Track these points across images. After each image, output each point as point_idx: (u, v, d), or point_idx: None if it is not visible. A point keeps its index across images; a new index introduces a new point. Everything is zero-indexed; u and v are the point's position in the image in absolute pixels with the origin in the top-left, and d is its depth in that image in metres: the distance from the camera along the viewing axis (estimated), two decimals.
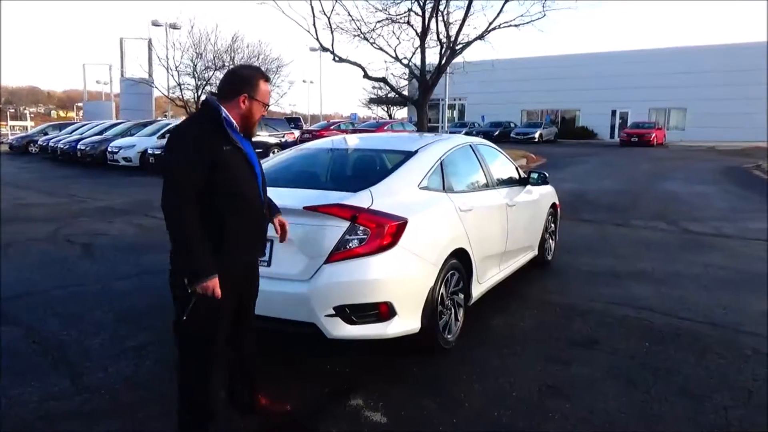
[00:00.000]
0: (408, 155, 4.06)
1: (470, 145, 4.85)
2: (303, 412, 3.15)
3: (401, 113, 55.44)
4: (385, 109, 57.86)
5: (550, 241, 6.40)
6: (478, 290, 4.38)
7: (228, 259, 2.50)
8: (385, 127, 25.56)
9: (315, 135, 27.92)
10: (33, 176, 17.41)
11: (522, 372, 3.61)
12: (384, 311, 3.35)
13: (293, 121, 32.89)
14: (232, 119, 2.52)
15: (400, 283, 3.40)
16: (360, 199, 3.43)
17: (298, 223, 3.35)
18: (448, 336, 3.89)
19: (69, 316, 4.67)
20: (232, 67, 2.60)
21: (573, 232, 8.02)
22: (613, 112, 43.04)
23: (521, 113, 46.63)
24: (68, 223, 9.05)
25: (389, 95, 51.26)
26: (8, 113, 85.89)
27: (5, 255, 6.79)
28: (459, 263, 3.96)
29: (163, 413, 3.10)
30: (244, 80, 2.56)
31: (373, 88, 54.33)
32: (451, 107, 43.87)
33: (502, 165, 5.37)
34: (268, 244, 3.43)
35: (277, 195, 3.69)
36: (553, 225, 6.43)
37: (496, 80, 41.26)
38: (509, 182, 5.31)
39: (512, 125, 40.13)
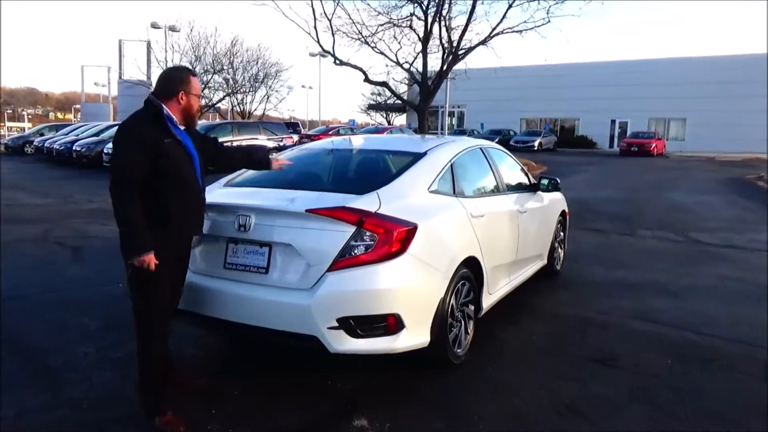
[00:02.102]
0: (417, 157, 3.82)
1: (480, 148, 4.61)
2: (301, 431, 2.89)
3: (400, 120, 55.39)
4: (384, 115, 57.81)
5: (559, 249, 6.16)
6: (488, 301, 4.13)
7: (174, 232, 2.87)
8: (385, 133, 25.34)
9: (313, 140, 27.71)
10: (27, 177, 17.13)
11: (537, 391, 3.36)
12: (392, 324, 3.09)
13: (291, 126, 32.69)
14: (172, 115, 2.87)
15: (409, 293, 3.15)
16: (367, 202, 3.18)
17: (299, 227, 3.10)
18: (458, 350, 3.64)
19: (54, 323, 4.40)
20: (163, 70, 2.92)
21: (579, 240, 7.78)
22: (613, 122, 42.93)
23: (520, 121, 46.52)
24: (59, 225, 8.78)
25: (388, 101, 51.22)
26: (6, 114, 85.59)
27: None
28: (470, 272, 3.71)
29: (150, 430, 2.85)
30: (179, 80, 2.92)
31: (372, 94, 54.32)
32: (450, 114, 43.60)
33: (513, 169, 5.14)
34: (266, 249, 3.19)
35: (277, 197, 3.46)
36: (562, 233, 6.19)
37: (495, 88, 41.20)
38: (519, 188, 5.06)
39: (511, 133, 39.97)
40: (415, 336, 3.20)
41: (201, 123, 22.20)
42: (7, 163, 22.95)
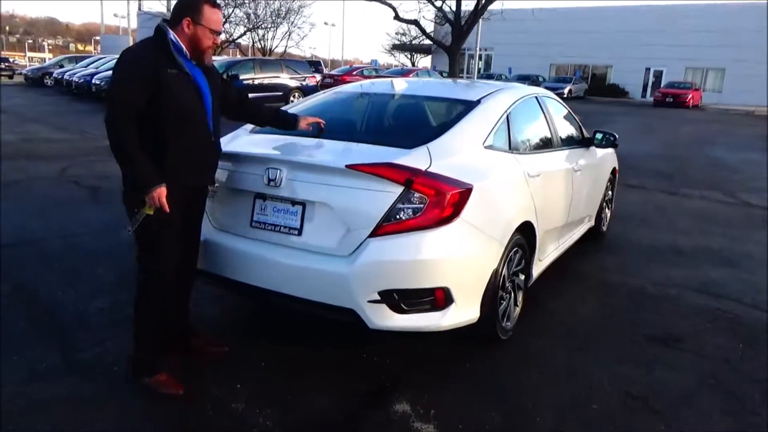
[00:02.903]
0: (470, 106, 3.34)
1: (536, 97, 4.10)
2: (335, 416, 2.58)
3: (424, 61, 53.73)
4: (408, 56, 56.07)
5: (607, 210, 5.70)
6: (538, 269, 3.75)
7: (171, 179, 2.51)
8: (410, 75, 24.43)
9: (337, 80, 26.88)
10: (46, 109, 16.80)
11: (596, 375, 3.00)
12: (440, 298, 2.72)
13: (313, 65, 31.70)
14: (181, 44, 2.53)
15: (461, 264, 2.76)
16: (416, 159, 2.75)
17: (338, 184, 2.70)
18: (507, 324, 3.28)
19: (67, 272, 4.12)
20: None
21: (622, 199, 7.26)
22: (647, 70, 41.12)
23: (550, 67, 44.76)
24: (77, 163, 8.49)
25: (414, 41, 49.56)
26: (26, 44, 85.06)
27: (4, 196, 6.25)
28: (523, 239, 3.30)
29: (166, 406, 2.56)
30: (187, 6, 2.55)
31: (396, 34, 52.55)
32: (478, 57, 42.04)
33: (567, 122, 4.62)
34: (299, 209, 2.80)
35: (312, 148, 3.04)
36: (610, 192, 5.71)
37: (525, 31, 39.56)
38: (573, 142, 4.56)
39: (540, 79, 38.49)
40: (464, 311, 2.83)
41: (221, 59, 21.51)
42: (26, 94, 22.67)
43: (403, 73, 25.73)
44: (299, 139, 3.14)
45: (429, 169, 2.71)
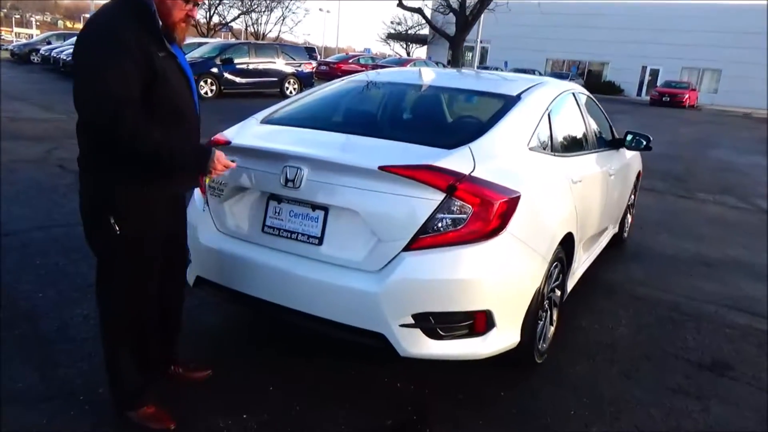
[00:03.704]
0: (510, 101, 2.97)
1: (573, 93, 3.74)
2: None
3: (419, 52, 53.15)
4: (404, 45, 55.45)
5: (628, 215, 5.38)
6: (572, 283, 3.42)
7: (169, 188, 2.12)
8: (408, 65, 23.99)
9: (332, 67, 26.39)
10: (32, 87, 16.15)
11: (647, 409, 2.67)
12: (481, 322, 2.36)
13: (308, 52, 31.10)
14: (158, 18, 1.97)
15: (505, 283, 2.41)
16: (458, 161, 2.38)
17: (368, 188, 2.32)
18: (543, 345, 2.94)
19: (49, 270, 3.72)
20: None
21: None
22: (644, 68, 40.95)
23: (546, 62, 44.44)
24: (63, 145, 7.99)
25: (410, 31, 48.99)
26: (13, 19, 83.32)
27: None
28: (562, 252, 2.95)
29: None
30: None
31: (392, 23, 51.90)
32: (471, 49, 41.43)
33: (600, 121, 4.27)
34: (320, 214, 2.42)
35: (337, 144, 2.66)
36: (632, 196, 5.39)
37: (522, 25, 39.17)
38: (604, 144, 4.22)
39: (537, 74, 38.15)
40: (505, 336, 2.48)
41: (214, 42, 20.92)
42: (12, 71, 21.90)
43: (400, 62, 25.26)
44: (321, 134, 2.75)
45: (473, 174, 2.34)
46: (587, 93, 4.23)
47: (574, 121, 3.58)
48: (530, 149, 2.78)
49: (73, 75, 1.94)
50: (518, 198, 2.41)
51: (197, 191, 2.85)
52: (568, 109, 3.53)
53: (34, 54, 26.55)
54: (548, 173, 2.85)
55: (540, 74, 37.85)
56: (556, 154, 3.05)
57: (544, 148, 2.94)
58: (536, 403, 2.66)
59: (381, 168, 2.27)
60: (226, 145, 2.66)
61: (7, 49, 31.60)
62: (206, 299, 3.22)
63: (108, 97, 1.84)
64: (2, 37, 50.69)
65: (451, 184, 2.25)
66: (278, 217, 2.53)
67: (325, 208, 2.42)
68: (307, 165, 2.41)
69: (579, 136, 3.59)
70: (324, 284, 2.36)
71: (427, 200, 2.26)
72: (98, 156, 2.02)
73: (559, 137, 3.16)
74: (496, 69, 38.42)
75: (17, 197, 5.29)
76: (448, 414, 2.51)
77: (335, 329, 2.39)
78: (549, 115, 3.10)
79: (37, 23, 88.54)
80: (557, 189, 2.88)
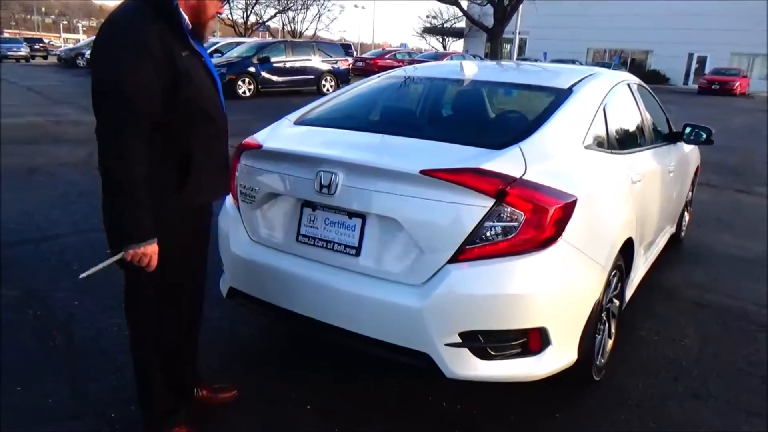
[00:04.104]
0: (561, 95, 2.72)
1: (628, 84, 3.46)
2: None
3: (456, 45, 52.56)
4: (440, 39, 54.94)
5: (686, 213, 5.04)
6: (630, 290, 3.16)
7: (196, 199, 1.96)
8: (445, 59, 23.63)
9: (368, 63, 26.26)
10: (76, 90, 16.52)
11: None
12: (535, 341, 2.15)
13: (343, 48, 31.03)
14: (184, 14, 1.83)
15: (561, 298, 2.18)
16: (508, 163, 2.16)
17: (409, 194, 2.13)
18: (601, 360, 2.70)
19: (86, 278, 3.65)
20: None
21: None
22: (690, 56, 39.38)
23: (587, 52, 43.25)
24: None
25: (445, 25, 48.46)
26: (61, 25, 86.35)
27: (29, 182, 5.87)
28: (621, 259, 2.70)
29: None
30: None
31: (428, 17, 51.47)
32: (510, 42, 40.68)
33: (656, 114, 3.97)
34: (358, 222, 2.24)
35: (374, 146, 2.47)
36: (690, 193, 5.04)
37: (561, 14, 38.18)
38: (661, 138, 3.91)
39: (577, 64, 37.15)
40: (561, 355, 2.26)
41: (252, 41, 21.04)
42: (58, 75, 22.60)
43: (437, 57, 24.93)
44: (357, 134, 2.57)
45: (525, 177, 2.12)
46: (642, 83, 3.92)
47: (631, 115, 3.30)
48: (585, 147, 2.53)
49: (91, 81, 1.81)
50: (575, 202, 2.18)
51: (229, 198, 2.72)
52: (624, 101, 3.26)
53: (79, 58, 27.35)
54: (606, 173, 2.60)
55: (581, 65, 36.97)
56: (614, 151, 2.79)
57: (601, 146, 2.69)
58: (595, 426, 2.42)
59: (422, 172, 2.08)
60: (257, 149, 2.52)
61: (54, 54, 32.64)
62: (238, 310, 3.09)
63: (113, 100, 1.70)
64: (51, 43, 52.46)
65: (501, 188, 2.04)
66: (313, 225, 2.36)
67: (363, 216, 2.24)
68: (343, 169, 2.23)
69: (636, 130, 3.31)
70: (362, 298, 2.19)
71: (474, 207, 2.05)
72: None
73: (616, 133, 2.90)
74: (536, 60, 37.71)
75: (57, 201, 5.31)
76: None
77: (375, 347, 2.21)
78: (604, 109, 2.84)
79: (84, 28, 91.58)
80: (616, 190, 2.63)
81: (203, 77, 1.91)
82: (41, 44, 41.26)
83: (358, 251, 2.25)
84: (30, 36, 50.74)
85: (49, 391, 2.48)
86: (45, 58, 37.50)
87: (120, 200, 1.75)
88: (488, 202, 2.04)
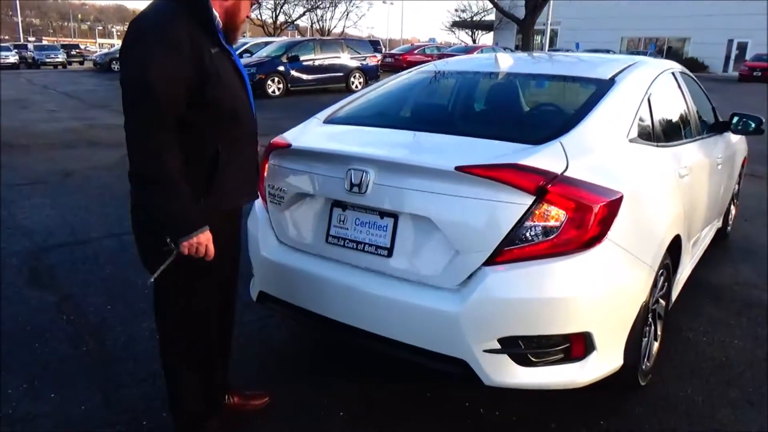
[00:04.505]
0: (603, 86, 2.58)
1: (672, 73, 3.29)
2: None
3: (485, 39, 52.01)
4: (469, 33, 54.42)
5: (732, 207, 4.80)
6: (677, 290, 3.00)
7: (225, 203, 1.90)
8: (475, 53, 23.35)
9: (397, 59, 26.13)
10: (111, 95, 16.85)
11: None
12: (579, 346, 2.03)
13: (372, 44, 30.98)
14: (215, 12, 1.80)
15: (607, 301, 2.06)
16: (548, 158, 2.05)
17: (443, 192, 2.03)
18: (647, 364, 2.56)
19: (118, 281, 3.67)
20: None
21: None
22: (730, 42, 38.07)
23: (621, 41, 42.19)
24: None
25: (474, 17, 47.97)
26: (97, 31, 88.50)
27: (64, 186, 5.96)
28: (669, 257, 2.55)
29: None
30: None
31: (456, 10, 51.04)
32: (541, 32, 39.98)
33: (702, 103, 3.77)
34: (390, 222, 2.15)
35: (405, 143, 2.38)
36: (736, 186, 4.80)
37: (593, 3, 37.32)
38: (707, 128, 3.72)
39: (612, 53, 36.29)
40: (606, 361, 2.13)
41: (281, 40, 21.12)
42: (93, 79, 23.10)
43: (467, 50, 24.65)
44: (388, 132, 2.49)
45: (566, 173, 2.00)
46: (687, 72, 3.73)
47: (677, 105, 3.14)
48: (630, 141, 2.39)
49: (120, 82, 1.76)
50: (620, 199, 2.05)
51: (257, 200, 2.66)
52: (670, 91, 3.09)
53: (114, 62, 27.93)
54: (652, 168, 2.45)
55: (614, 54, 36.09)
56: (660, 144, 2.64)
57: (646, 139, 2.54)
58: None
59: (458, 168, 1.98)
60: (286, 148, 2.45)
61: (90, 60, 33.44)
62: (269, 314, 3.05)
63: (139, 97, 1.66)
64: (87, 48, 53.82)
65: (541, 185, 1.93)
66: (343, 225, 2.29)
67: (395, 216, 2.15)
68: (374, 167, 2.15)
69: (683, 121, 3.14)
70: (395, 302, 2.10)
71: (512, 205, 1.95)
72: None
73: (661, 124, 2.74)
74: (568, 51, 36.94)
75: (90, 204, 5.37)
76: None
77: (410, 353, 2.12)
78: (649, 99, 2.69)
79: (118, 33, 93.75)
80: (663, 185, 2.48)
81: (232, 76, 1.86)
82: (77, 50, 42.31)
83: (390, 252, 2.16)
84: (67, 42, 52.14)
85: (82, 398, 2.46)
86: (81, 63, 38.47)
87: (158, 195, 1.70)
88: (528, 200, 1.93)
